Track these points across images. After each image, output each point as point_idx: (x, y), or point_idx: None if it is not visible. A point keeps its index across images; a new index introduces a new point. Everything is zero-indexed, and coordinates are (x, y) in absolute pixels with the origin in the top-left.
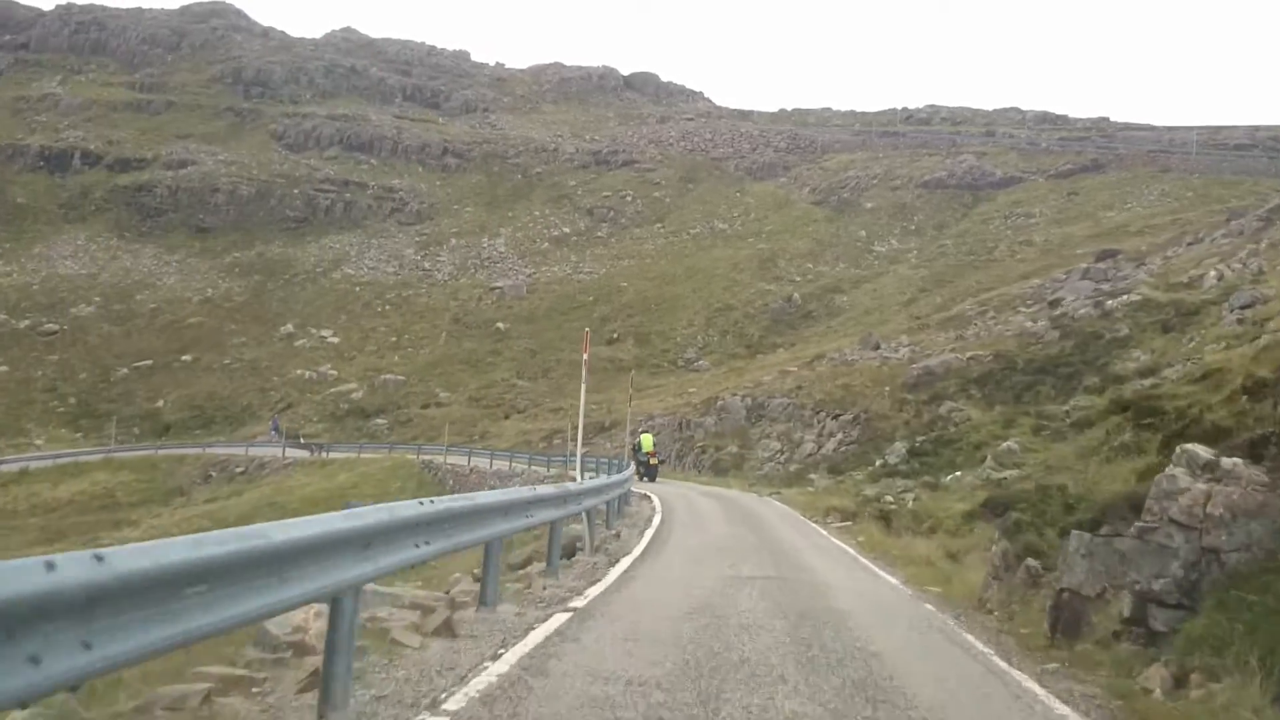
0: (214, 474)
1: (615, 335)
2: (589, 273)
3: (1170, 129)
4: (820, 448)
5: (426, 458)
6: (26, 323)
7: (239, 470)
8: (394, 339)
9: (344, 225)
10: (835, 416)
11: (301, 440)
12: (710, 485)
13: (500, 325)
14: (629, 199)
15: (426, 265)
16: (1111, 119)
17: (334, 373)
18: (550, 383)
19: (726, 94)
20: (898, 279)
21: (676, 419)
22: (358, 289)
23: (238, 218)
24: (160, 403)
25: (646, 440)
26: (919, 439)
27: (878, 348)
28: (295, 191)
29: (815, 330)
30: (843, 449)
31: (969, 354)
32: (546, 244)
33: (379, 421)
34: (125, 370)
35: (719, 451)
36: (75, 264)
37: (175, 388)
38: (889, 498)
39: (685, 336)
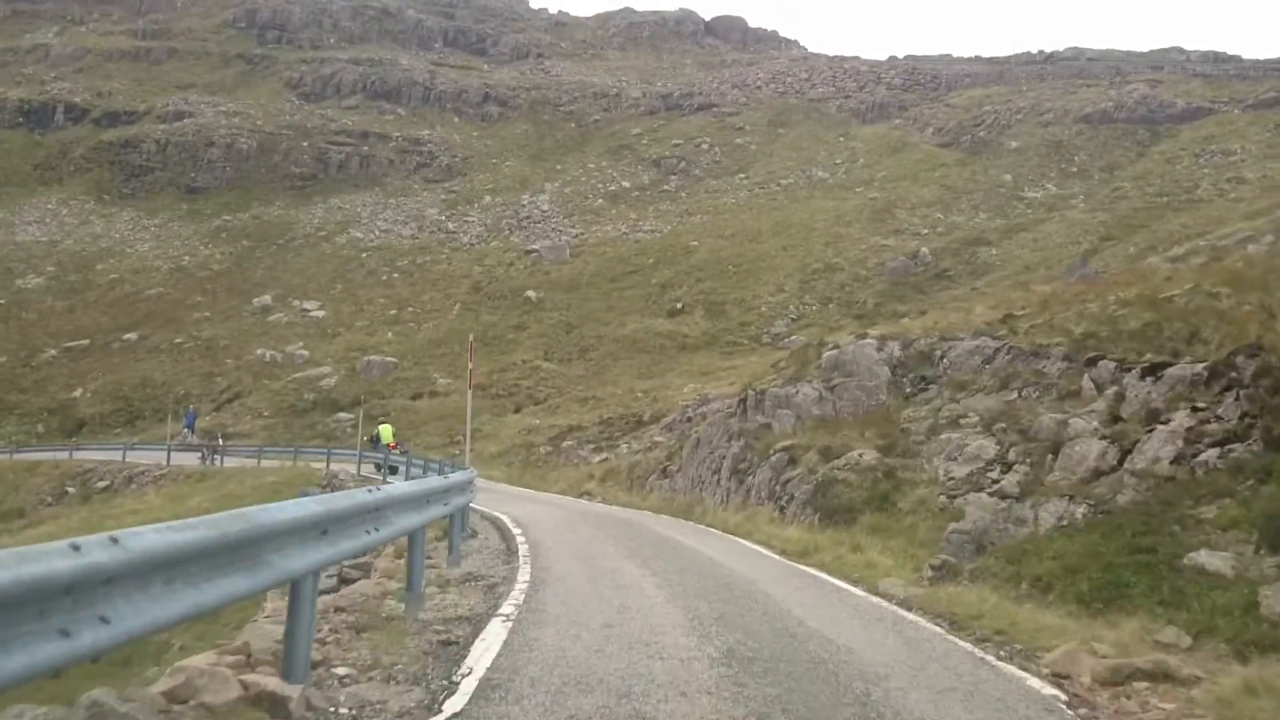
0: (70, 488)
1: (679, 305)
2: (650, 231)
3: None
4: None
5: (341, 465)
6: None
7: (101, 484)
8: (393, 311)
9: (359, 183)
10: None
11: (211, 442)
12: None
13: (531, 294)
14: (705, 147)
15: (451, 227)
16: None
17: (305, 353)
18: (587, 365)
19: (824, 43)
20: (1066, 226)
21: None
22: (364, 255)
23: (234, 176)
24: (78, 392)
25: (386, 431)
26: None
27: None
28: (304, 145)
29: (956, 292)
30: None
31: None
32: (600, 200)
33: (344, 417)
34: (54, 352)
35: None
36: (39, 230)
37: (105, 374)
38: None
39: (773, 305)
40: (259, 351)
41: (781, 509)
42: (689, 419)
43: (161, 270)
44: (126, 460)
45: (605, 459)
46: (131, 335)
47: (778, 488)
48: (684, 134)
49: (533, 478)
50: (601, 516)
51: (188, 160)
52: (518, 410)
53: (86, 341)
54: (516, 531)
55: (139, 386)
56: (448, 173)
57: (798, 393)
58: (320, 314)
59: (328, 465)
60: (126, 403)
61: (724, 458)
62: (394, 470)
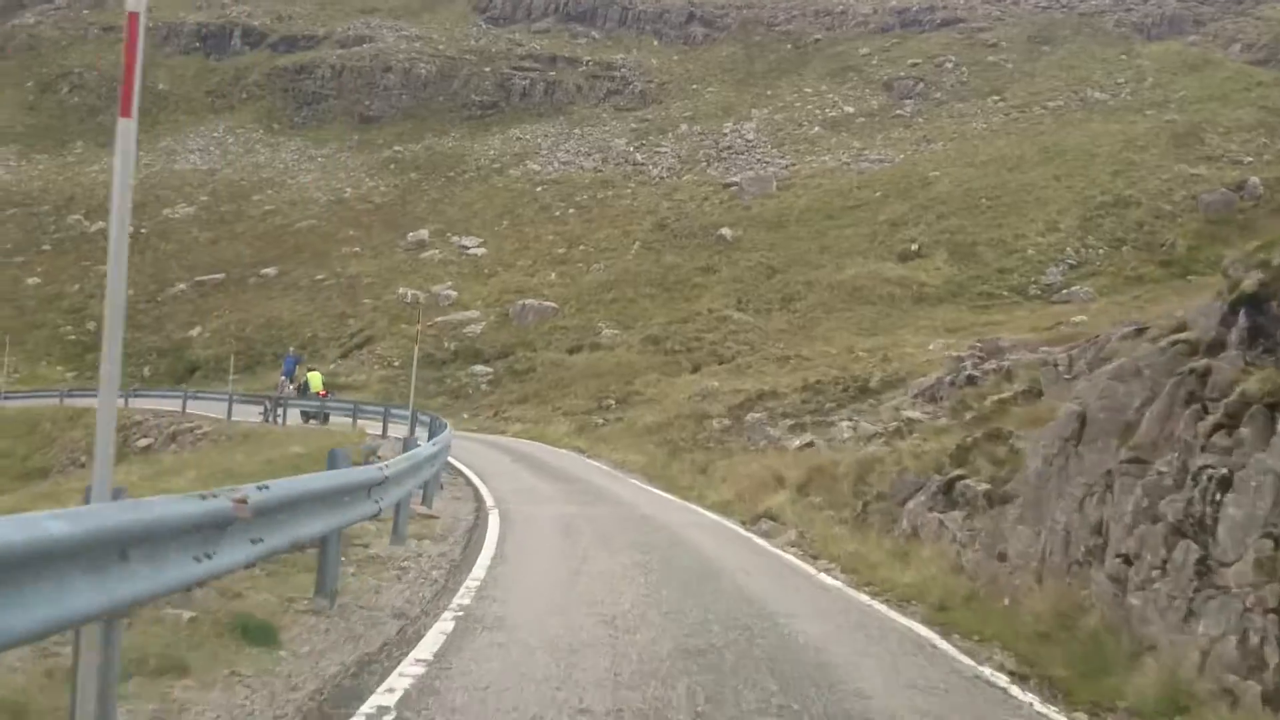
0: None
1: (915, 246)
2: (878, 161)
3: None
4: None
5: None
6: (99, 225)
7: (143, 440)
8: (561, 250)
9: (542, 112)
10: None
11: (281, 395)
12: None
13: (725, 231)
14: (949, 67)
15: (640, 158)
16: None
17: (452, 293)
18: (790, 317)
19: None
20: None
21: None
22: (539, 189)
23: (410, 105)
24: (195, 331)
25: (315, 378)
26: None
27: None
28: (486, 70)
29: None
30: None
31: None
32: (817, 128)
33: (479, 370)
34: (183, 286)
35: None
36: (199, 158)
37: (231, 311)
38: None
39: (1043, 248)
40: (400, 291)
41: None
42: (995, 371)
43: (319, 203)
44: (186, 412)
45: (809, 443)
46: (270, 270)
47: None
48: (922, 53)
49: (686, 470)
50: None
51: (363, 87)
52: (695, 370)
53: (221, 275)
54: None
55: (263, 327)
56: (641, 100)
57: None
58: (479, 251)
59: (385, 429)
60: (247, 344)
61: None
62: (325, 418)
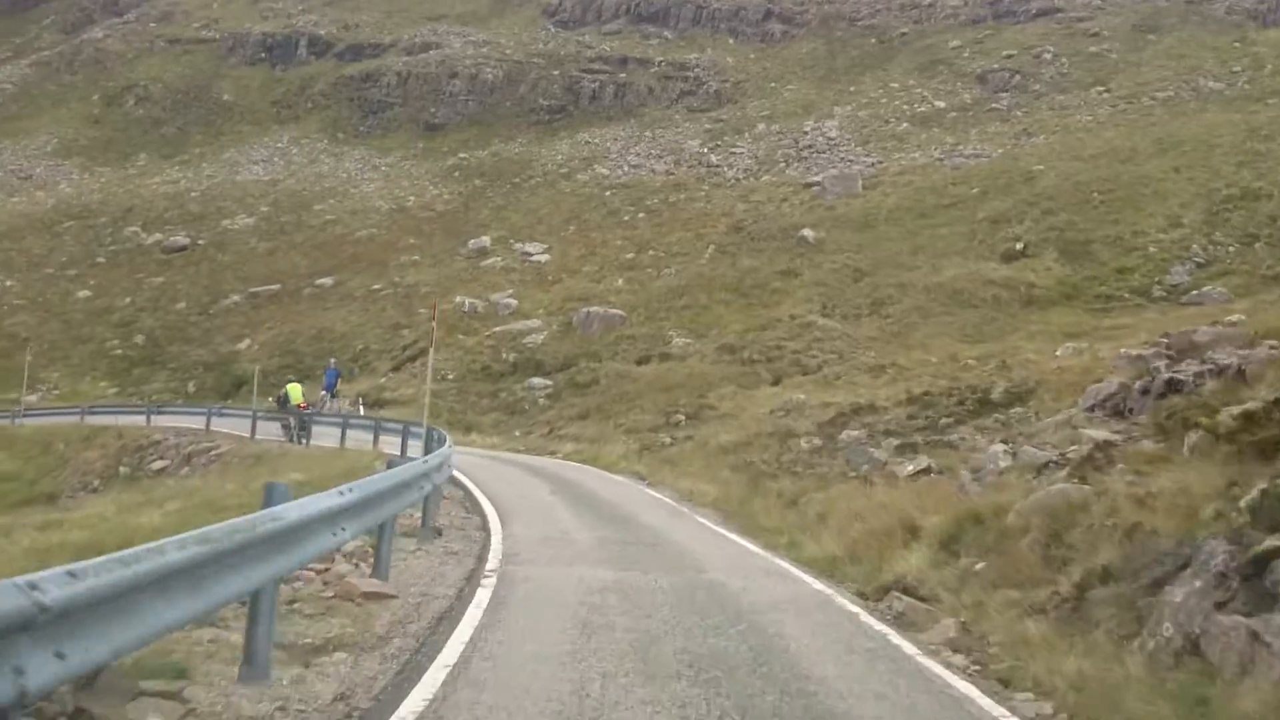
0: (125, 467)
1: (1019, 245)
2: (973, 156)
3: None
4: None
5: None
6: (156, 237)
7: (158, 463)
8: (630, 255)
9: (612, 114)
10: None
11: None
12: None
13: (808, 233)
14: (1047, 58)
15: (714, 160)
16: None
17: (512, 302)
18: (882, 323)
19: None
20: None
21: None
22: (607, 193)
23: (476, 111)
24: (244, 344)
25: (295, 390)
26: None
27: None
28: (555, 74)
29: None
30: None
31: None
32: (905, 124)
33: (537, 383)
34: (236, 298)
35: None
36: (262, 169)
37: (283, 322)
38: None
39: (1166, 245)
40: (457, 299)
41: None
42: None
43: (380, 211)
44: (211, 430)
45: (925, 469)
46: (326, 280)
47: None
48: (1018, 44)
49: (772, 506)
50: None
51: (428, 94)
52: (776, 381)
53: (276, 286)
54: None
55: (313, 339)
56: (715, 100)
57: None
58: (543, 258)
59: (403, 450)
60: (296, 358)
61: None
62: (307, 432)
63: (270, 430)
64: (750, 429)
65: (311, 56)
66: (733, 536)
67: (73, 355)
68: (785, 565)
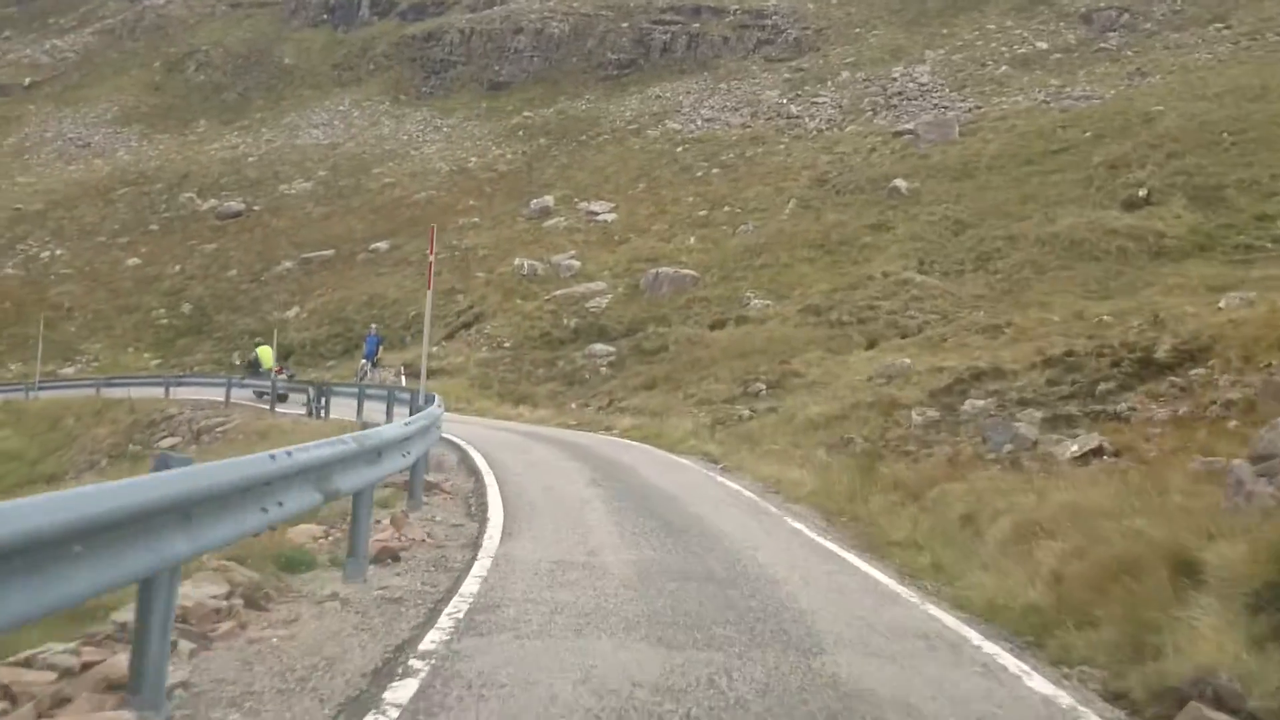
0: (135, 444)
1: (1144, 192)
2: (1083, 97)
3: None
4: None
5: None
6: (211, 203)
7: (168, 440)
8: (703, 212)
9: (684, 67)
10: None
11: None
12: None
13: (900, 183)
14: None
15: (794, 110)
16: None
17: (575, 263)
18: (990, 279)
19: None
20: None
21: None
22: (679, 149)
23: (542, 68)
24: (292, 311)
25: (265, 353)
26: None
27: None
28: (624, 26)
29: None
30: None
31: None
32: (1004, 67)
33: (599, 350)
34: (289, 265)
35: None
36: (322, 133)
37: (335, 289)
38: None
39: None
40: (516, 262)
41: None
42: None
43: (441, 173)
44: (230, 404)
45: (1095, 448)
46: (381, 245)
47: None
48: None
49: (895, 505)
50: None
51: (493, 52)
52: (871, 345)
53: (330, 252)
54: None
55: (364, 305)
56: (795, 49)
57: None
58: (609, 217)
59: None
60: (346, 326)
61: None
62: (283, 398)
63: (295, 401)
64: (845, 399)
65: (374, 16)
66: (850, 558)
67: (116, 325)
68: (951, 621)
